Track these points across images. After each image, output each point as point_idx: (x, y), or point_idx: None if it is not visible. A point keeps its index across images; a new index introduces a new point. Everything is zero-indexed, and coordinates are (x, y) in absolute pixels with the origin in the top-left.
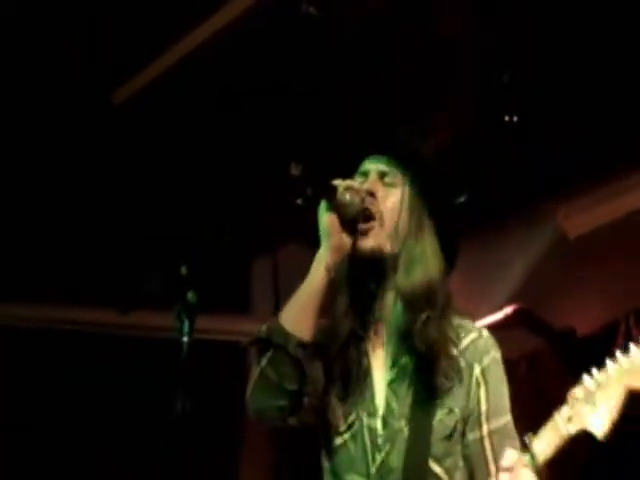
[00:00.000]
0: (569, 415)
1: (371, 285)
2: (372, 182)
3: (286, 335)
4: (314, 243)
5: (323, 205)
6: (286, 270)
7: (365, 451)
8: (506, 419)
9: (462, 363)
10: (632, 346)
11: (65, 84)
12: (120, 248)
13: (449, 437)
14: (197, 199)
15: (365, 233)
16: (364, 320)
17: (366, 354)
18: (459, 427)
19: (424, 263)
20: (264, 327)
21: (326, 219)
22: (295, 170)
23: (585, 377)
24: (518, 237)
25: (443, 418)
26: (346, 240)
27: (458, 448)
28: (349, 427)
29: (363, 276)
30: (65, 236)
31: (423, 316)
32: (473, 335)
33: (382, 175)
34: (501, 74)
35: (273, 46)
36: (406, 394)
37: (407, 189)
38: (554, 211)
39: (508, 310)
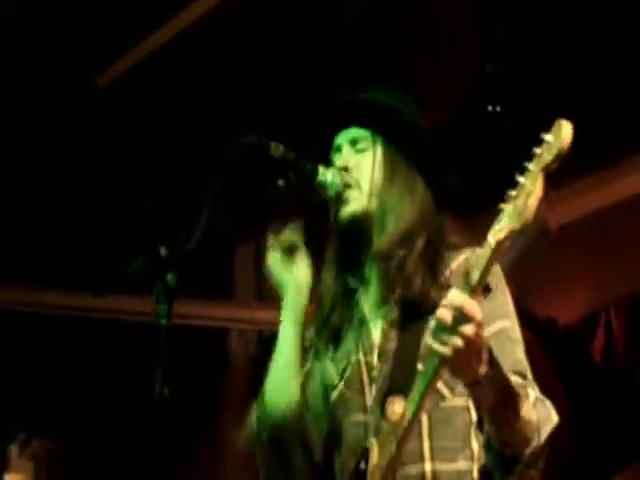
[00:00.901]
0: (499, 229)
1: (358, 245)
2: (345, 155)
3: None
4: None
5: (269, 257)
6: None
7: (362, 389)
8: (503, 324)
9: (454, 281)
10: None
11: (55, 74)
12: (97, 230)
13: None
14: (179, 183)
15: (345, 202)
16: (355, 271)
17: (357, 304)
18: None
19: (397, 211)
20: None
21: (271, 266)
22: (276, 152)
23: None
24: None
25: None
26: (303, 272)
27: None
28: (342, 377)
29: (350, 242)
30: (40, 219)
31: (397, 259)
32: (467, 253)
33: (354, 143)
34: (485, 64)
35: (260, 27)
36: (397, 316)
37: (379, 146)
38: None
39: None
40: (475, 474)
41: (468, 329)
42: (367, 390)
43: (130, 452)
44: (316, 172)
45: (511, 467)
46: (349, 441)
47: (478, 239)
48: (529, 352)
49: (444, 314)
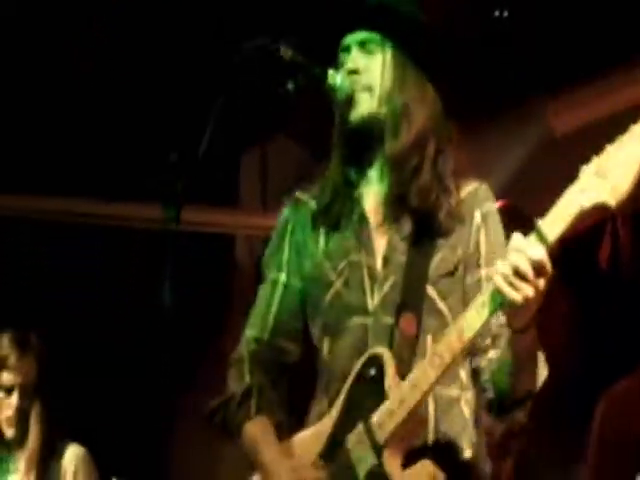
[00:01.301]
0: (581, 188)
1: (366, 146)
2: (354, 57)
3: None
4: (302, 137)
5: None
6: (274, 163)
7: (363, 290)
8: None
9: (463, 209)
10: None
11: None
12: (107, 137)
13: (452, 274)
14: (184, 91)
15: (356, 104)
16: (359, 168)
17: (358, 200)
18: (461, 268)
19: (409, 115)
20: None
21: None
22: (285, 54)
23: (595, 158)
24: (507, 135)
25: (446, 254)
26: None
27: (460, 289)
28: (340, 275)
29: (358, 143)
30: (49, 125)
31: (412, 165)
32: (475, 185)
33: (362, 45)
34: None
35: None
36: (409, 232)
37: (388, 49)
38: (543, 109)
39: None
40: (462, 402)
41: (543, 284)
42: (368, 292)
43: (137, 357)
44: (325, 75)
45: (509, 411)
46: (348, 341)
47: (481, 148)
48: None
49: (525, 266)
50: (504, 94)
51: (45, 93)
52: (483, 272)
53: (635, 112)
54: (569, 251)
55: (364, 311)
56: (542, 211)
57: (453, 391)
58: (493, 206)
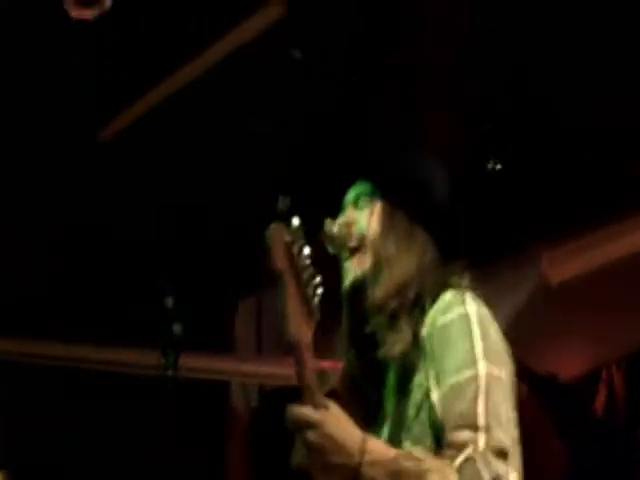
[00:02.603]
0: None
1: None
2: (347, 213)
3: None
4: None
5: None
6: (269, 311)
7: None
8: (456, 378)
9: (426, 341)
10: None
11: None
12: (101, 281)
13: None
14: (183, 236)
15: (346, 272)
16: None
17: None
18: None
19: (392, 263)
20: None
21: None
22: (282, 205)
23: None
24: (502, 283)
25: (415, 395)
26: None
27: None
28: None
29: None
30: (40, 268)
31: (389, 310)
32: (436, 305)
33: (356, 201)
34: (484, 122)
35: (257, 83)
36: (393, 383)
37: (377, 202)
38: (538, 258)
39: None
40: None
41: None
42: None
43: None
44: (321, 225)
45: None
46: None
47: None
48: (526, 408)
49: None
50: (500, 243)
51: (45, 241)
52: (435, 396)
53: (628, 261)
54: (563, 399)
55: None
56: (541, 359)
57: None
58: (446, 316)
